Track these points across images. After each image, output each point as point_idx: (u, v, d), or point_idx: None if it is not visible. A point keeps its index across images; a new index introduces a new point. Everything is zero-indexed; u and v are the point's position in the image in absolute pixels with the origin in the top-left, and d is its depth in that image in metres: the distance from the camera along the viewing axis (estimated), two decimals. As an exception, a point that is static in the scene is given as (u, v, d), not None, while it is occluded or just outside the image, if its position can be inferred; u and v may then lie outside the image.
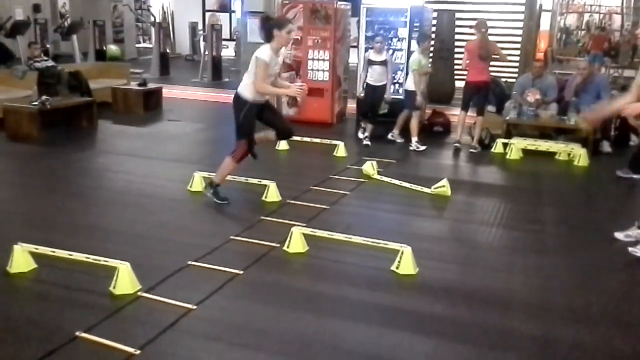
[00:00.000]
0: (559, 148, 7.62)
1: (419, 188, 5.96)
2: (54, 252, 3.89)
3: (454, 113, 8.80)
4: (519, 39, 11.34)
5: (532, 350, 3.20)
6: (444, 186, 5.83)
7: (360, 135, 8.17)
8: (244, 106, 5.01)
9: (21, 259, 3.85)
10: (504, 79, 9.77)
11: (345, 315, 3.51)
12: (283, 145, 7.47)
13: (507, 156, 7.55)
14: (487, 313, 3.58)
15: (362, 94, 8.03)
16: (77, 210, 5.20)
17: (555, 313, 3.61)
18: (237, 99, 5.07)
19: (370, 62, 7.79)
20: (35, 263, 3.90)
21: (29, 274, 3.85)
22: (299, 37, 8.82)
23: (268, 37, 4.89)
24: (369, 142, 7.92)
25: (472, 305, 3.67)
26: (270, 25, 4.89)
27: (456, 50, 10.96)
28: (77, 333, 3.14)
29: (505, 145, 7.74)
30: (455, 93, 10.92)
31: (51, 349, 3.00)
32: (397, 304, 3.67)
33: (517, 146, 7.60)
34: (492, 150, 7.83)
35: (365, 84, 7.91)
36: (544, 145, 7.73)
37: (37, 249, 3.90)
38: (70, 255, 3.84)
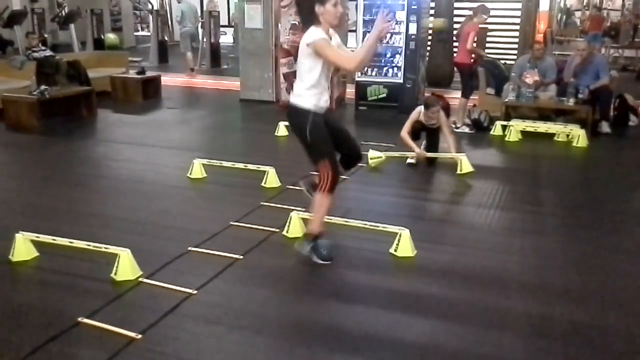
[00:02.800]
0: (558, 129, 7.62)
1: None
2: (55, 240, 3.92)
3: (454, 96, 8.77)
4: (518, 20, 11.26)
5: (528, 329, 3.23)
6: (442, 169, 5.86)
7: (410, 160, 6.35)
8: (306, 118, 3.74)
9: (23, 247, 3.90)
10: (503, 61, 9.75)
11: (344, 298, 3.55)
12: (282, 131, 7.47)
13: (506, 138, 7.55)
14: (484, 293, 3.61)
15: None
16: (78, 199, 5.23)
17: (552, 293, 3.64)
18: (294, 112, 3.81)
19: None
20: (37, 251, 3.95)
21: (30, 262, 3.90)
22: (297, 22, 8.78)
23: (310, 19, 3.78)
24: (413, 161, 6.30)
25: (469, 286, 3.71)
26: (309, 2, 3.73)
27: (455, 32, 10.88)
28: (79, 319, 3.19)
29: (504, 127, 7.74)
30: (454, 76, 10.89)
31: (54, 335, 3.05)
32: (395, 286, 3.71)
33: (516, 128, 7.60)
34: (491, 132, 7.83)
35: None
36: (542, 126, 7.72)
37: (38, 237, 3.94)
38: (71, 242, 3.88)
